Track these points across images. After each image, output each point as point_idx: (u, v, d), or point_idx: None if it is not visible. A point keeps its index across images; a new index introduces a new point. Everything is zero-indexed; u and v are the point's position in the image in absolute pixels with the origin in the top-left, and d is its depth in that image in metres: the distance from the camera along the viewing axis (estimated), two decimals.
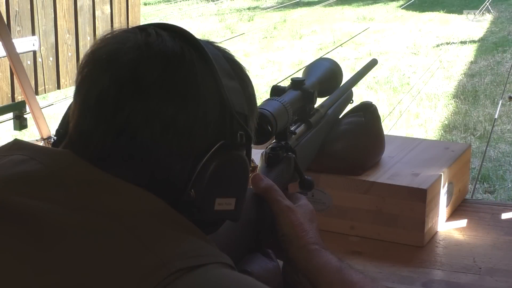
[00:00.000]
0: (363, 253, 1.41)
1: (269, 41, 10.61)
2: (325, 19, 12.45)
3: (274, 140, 1.17)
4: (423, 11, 12.83)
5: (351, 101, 1.50)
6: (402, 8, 13.30)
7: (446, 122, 6.29)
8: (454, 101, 6.95)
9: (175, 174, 0.80)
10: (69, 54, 4.90)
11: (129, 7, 5.43)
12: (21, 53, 3.80)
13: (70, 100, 0.87)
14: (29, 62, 4.58)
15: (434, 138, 5.65)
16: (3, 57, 4.05)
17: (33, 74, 4.60)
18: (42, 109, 3.31)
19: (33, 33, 4.61)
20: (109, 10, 5.22)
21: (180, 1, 14.82)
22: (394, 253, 1.40)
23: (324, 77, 1.38)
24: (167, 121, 0.79)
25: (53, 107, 6.12)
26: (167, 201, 0.78)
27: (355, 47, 9.86)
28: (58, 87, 4.93)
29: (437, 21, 11.80)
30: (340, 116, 1.48)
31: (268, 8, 13.95)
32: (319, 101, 1.37)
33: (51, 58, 4.77)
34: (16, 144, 0.84)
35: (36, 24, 4.60)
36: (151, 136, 0.79)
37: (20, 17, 4.49)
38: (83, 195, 0.75)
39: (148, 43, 0.81)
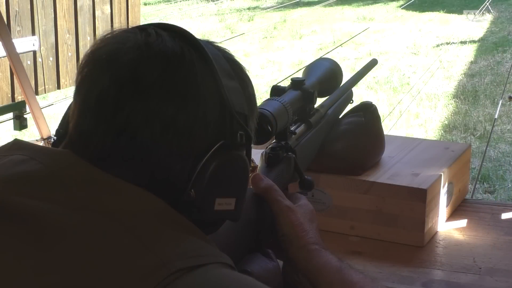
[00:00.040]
0: (363, 253, 1.41)
1: (269, 41, 10.61)
2: (325, 19, 12.45)
3: (274, 140, 1.17)
4: (423, 11, 12.83)
5: (351, 101, 1.50)
6: (402, 8, 13.31)
7: (446, 122, 6.29)
8: (454, 101, 6.95)
9: (175, 174, 0.80)
10: (69, 54, 4.90)
11: (129, 7, 5.43)
12: (21, 53, 3.80)
13: (70, 100, 0.87)
14: (29, 62, 4.58)
15: (434, 138, 5.65)
16: (3, 57, 4.05)
17: (33, 74, 4.60)
18: (42, 109, 3.31)
19: (33, 33, 4.61)
20: (109, 10, 5.22)
21: (180, 1, 14.82)
22: (394, 253, 1.40)
23: (324, 77, 1.38)
24: (167, 121, 0.79)
25: (53, 107, 6.12)
26: (167, 201, 0.78)
27: (355, 47, 9.86)
28: (58, 87, 4.93)
29: (437, 21, 11.80)
30: (340, 116, 1.48)
31: (268, 8, 13.95)
32: (319, 101, 1.37)
33: (51, 58, 4.77)
34: (16, 144, 0.84)
35: (36, 24, 4.60)
36: (151, 136, 0.79)
37: (20, 17, 4.49)
38: (83, 195, 0.75)
39: (148, 43, 0.81)
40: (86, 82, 0.82)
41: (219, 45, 0.89)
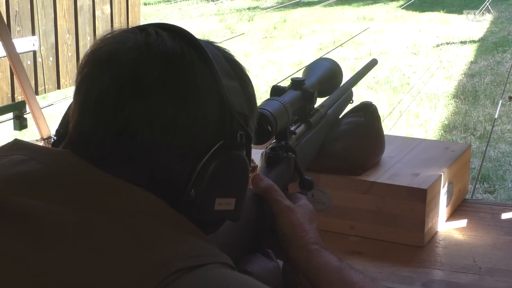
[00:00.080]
0: (363, 253, 1.41)
1: (269, 41, 10.61)
2: (325, 19, 12.45)
3: (274, 140, 1.17)
4: (423, 11, 12.84)
5: (351, 101, 1.50)
6: (402, 8, 13.31)
7: (446, 122, 6.29)
8: (454, 101, 6.95)
9: (175, 174, 0.80)
10: (69, 54, 4.90)
11: (129, 7, 5.43)
12: (21, 53, 3.80)
13: (70, 100, 0.87)
14: (29, 62, 4.58)
15: (434, 138, 5.65)
16: (3, 57, 4.05)
17: (33, 74, 4.60)
18: (42, 109, 3.31)
19: (33, 33, 4.61)
20: (109, 10, 5.22)
21: (180, 1, 14.82)
22: (394, 253, 1.40)
23: (324, 77, 1.38)
24: (167, 121, 0.79)
25: (53, 107, 6.12)
26: (167, 201, 0.78)
27: (355, 47, 9.86)
28: (58, 87, 4.93)
29: (437, 21, 11.80)
30: (340, 116, 1.48)
31: (268, 8, 13.95)
32: (319, 101, 1.37)
33: (51, 58, 4.77)
34: (16, 144, 0.84)
35: (36, 24, 4.60)
36: (151, 136, 0.79)
37: (20, 17, 4.49)
38: (83, 195, 0.75)
39: (148, 43, 0.81)
40: (86, 82, 0.82)
41: (219, 45, 0.89)
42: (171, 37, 0.82)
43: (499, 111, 6.34)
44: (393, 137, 1.76)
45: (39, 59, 4.67)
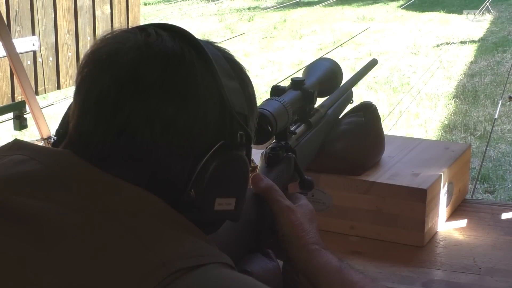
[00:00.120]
0: (363, 253, 1.41)
1: (269, 41, 10.61)
2: (325, 19, 12.45)
3: (274, 140, 1.17)
4: (423, 11, 12.84)
5: (351, 101, 1.50)
6: (402, 8, 13.30)
7: (446, 122, 6.29)
8: (454, 101, 6.95)
9: (175, 174, 0.80)
10: (69, 54, 4.90)
11: (129, 7, 5.43)
12: (21, 53, 3.80)
13: (70, 100, 0.87)
14: (29, 62, 4.58)
15: (434, 138, 5.66)
16: (3, 57, 4.05)
17: (33, 74, 4.60)
18: (42, 109, 3.31)
19: (33, 33, 4.61)
20: (109, 10, 5.22)
21: (180, 1, 14.82)
22: (394, 253, 1.40)
23: (324, 77, 1.38)
24: (167, 121, 0.79)
25: (53, 107, 6.13)
26: (167, 201, 0.78)
27: (355, 47, 9.87)
28: (58, 87, 4.93)
29: (437, 21, 11.80)
30: (340, 116, 1.48)
31: (268, 8, 13.95)
32: (319, 101, 1.37)
33: (51, 58, 4.77)
34: (16, 144, 0.84)
35: (36, 24, 4.60)
36: (151, 136, 0.79)
37: (20, 17, 4.49)
38: (83, 195, 0.75)
39: (148, 43, 0.81)
40: (86, 82, 0.82)
41: (219, 45, 0.89)
42: (171, 37, 0.82)
43: (499, 111, 6.34)
44: (393, 137, 1.76)
45: (39, 59, 4.67)
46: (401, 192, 1.42)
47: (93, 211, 0.74)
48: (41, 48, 4.67)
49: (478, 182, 4.71)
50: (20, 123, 4.28)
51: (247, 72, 0.90)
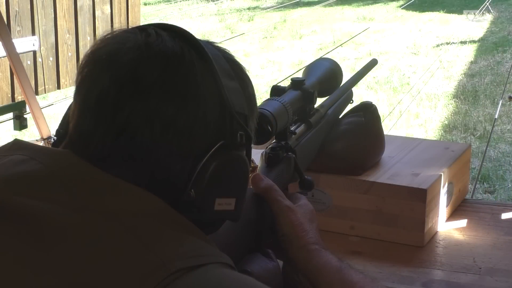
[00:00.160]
0: (363, 253, 1.41)
1: (269, 41, 10.61)
2: (325, 19, 12.45)
3: (274, 140, 1.17)
4: (423, 11, 12.84)
5: (351, 101, 1.50)
6: (402, 8, 13.30)
7: (446, 122, 6.29)
8: (454, 101, 6.95)
9: (175, 174, 0.80)
10: (69, 54, 4.90)
11: (129, 7, 5.43)
12: (21, 53, 3.80)
13: (70, 100, 0.87)
14: (29, 62, 4.58)
15: (434, 138, 5.66)
16: (3, 57, 4.05)
17: (33, 74, 4.60)
18: (42, 109, 3.31)
19: (33, 33, 4.61)
20: (109, 10, 5.22)
21: (180, 1, 14.82)
22: (394, 253, 1.40)
23: (324, 77, 1.38)
24: (167, 121, 0.79)
25: (53, 107, 6.12)
26: (167, 201, 0.78)
27: (355, 47, 9.87)
28: (58, 87, 4.93)
29: (437, 21, 11.80)
30: (340, 116, 1.48)
31: (268, 8, 13.95)
32: (319, 101, 1.37)
33: (51, 58, 4.77)
34: (16, 144, 0.84)
35: (36, 24, 4.60)
36: (151, 136, 0.79)
37: (20, 17, 4.49)
38: (83, 195, 0.75)
39: (148, 43, 0.81)
40: (86, 82, 0.82)
41: (219, 45, 0.89)
42: (171, 37, 0.82)
43: (499, 111, 6.34)
44: (393, 137, 1.76)
45: (39, 59, 4.67)
46: (401, 192, 1.42)
47: (93, 211, 0.74)
48: (41, 48, 4.67)
49: (478, 182, 4.71)
50: (20, 123, 4.28)
51: (247, 72, 0.90)
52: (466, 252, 1.42)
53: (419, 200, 1.40)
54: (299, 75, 1.42)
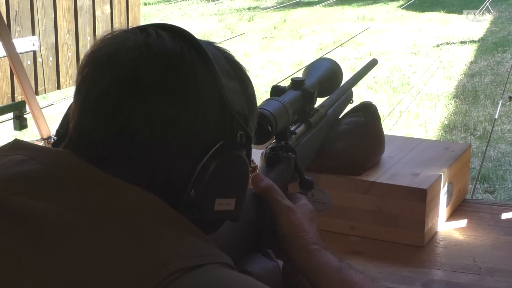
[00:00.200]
0: (363, 253, 1.41)
1: (269, 41, 10.61)
2: (325, 19, 12.45)
3: (274, 140, 1.17)
4: (423, 11, 12.84)
5: (351, 101, 1.50)
6: (402, 8, 13.30)
7: (446, 122, 6.29)
8: (454, 101, 6.95)
9: (175, 174, 0.80)
10: (69, 54, 4.90)
11: (129, 7, 5.43)
12: (21, 53, 3.80)
13: (70, 100, 0.87)
14: (29, 62, 4.58)
15: (434, 138, 5.66)
16: (3, 57, 4.05)
17: (33, 74, 4.60)
18: (42, 109, 3.31)
19: (33, 33, 4.61)
20: (109, 10, 5.22)
21: (180, 1, 14.82)
22: (394, 253, 1.40)
23: (324, 77, 1.38)
24: (167, 121, 0.79)
25: (53, 107, 6.12)
26: (167, 201, 0.78)
27: (355, 47, 9.87)
28: (58, 87, 4.93)
29: (437, 21, 11.80)
30: (340, 116, 1.48)
31: (268, 8, 13.95)
32: (319, 101, 1.37)
33: (51, 58, 4.77)
34: (16, 144, 0.84)
35: (36, 24, 4.60)
36: (151, 136, 0.79)
37: (20, 17, 4.49)
38: (83, 195, 0.75)
39: (148, 43, 0.81)
40: (86, 82, 0.82)
41: (219, 45, 0.89)
42: (171, 37, 0.82)
43: (499, 111, 6.34)
44: (393, 137, 1.76)
45: (39, 59, 4.67)
46: (401, 192, 1.42)
47: (93, 211, 0.74)
48: (41, 48, 4.67)
49: (478, 182, 4.71)
50: (20, 123, 4.28)
51: (247, 72, 0.90)
52: (466, 252, 1.42)
53: (419, 200, 1.40)
54: (299, 75, 1.42)
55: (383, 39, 10.38)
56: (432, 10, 12.77)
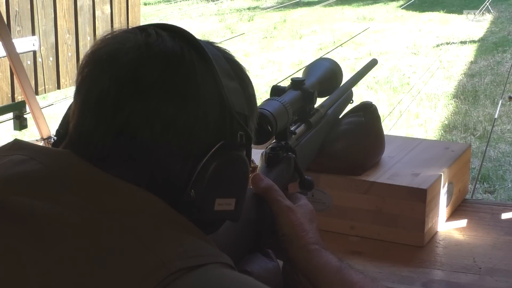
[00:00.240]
0: (363, 253, 1.41)
1: (269, 41, 10.61)
2: (325, 19, 12.45)
3: (274, 140, 1.17)
4: (423, 11, 12.84)
5: (351, 101, 1.50)
6: (402, 8, 13.30)
7: (446, 122, 6.29)
8: (454, 101, 6.95)
9: (175, 174, 0.80)
10: (69, 54, 4.90)
11: (129, 7, 5.43)
12: (21, 53, 3.80)
13: (70, 100, 0.87)
14: (29, 62, 4.58)
15: (434, 138, 5.66)
16: (3, 57, 4.05)
17: (33, 74, 4.60)
18: (42, 109, 3.31)
19: (33, 33, 4.61)
20: (109, 10, 5.22)
21: (180, 1, 14.82)
22: (394, 253, 1.40)
23: (324, 77, 1.38)
24: (167, 121, 0.79)
25: (53, 107, 6.12)
26: (167, 201, 0.78)
27: (355, 47, 9.87)
28: (58, 87, 4.93)
29: (437, 21, 11.80)
30: (340, 116, 1.48)
31: (268, 8, 13.95)
32: (319, 101, 1.37)
33: (51, 58, 4.77)
34: (16, 144, 0.84)
35: (36, 24, 4.60)
36: (151, 136, 0.79)
37: (20, 17, 4.49)
38: (83, 195, 0.75)
39: (148, 43, 0.81)
40: (86, 82, 0.82)
41: (219, 45, 0.89)
42: (171, 37, 0.82)
43: (499, 111, 6.34)
44: (393, 137, 1.76)
45: (39, 59, 4.67)
46: (401, 192, 1.42)
47: (93, 211, 0.74)
48: (41, 48, 4.67)
49: (478, 182, 4.71)
50: (20, 123, 4.28)
51: (247, 72, 0.90)
52: (466, 252, 1.42)
53: (419, 200, 1.40)
54: (299, 75, 1.42)
55: (383, 39, 10.38)
56: (432, 10, 12.77)
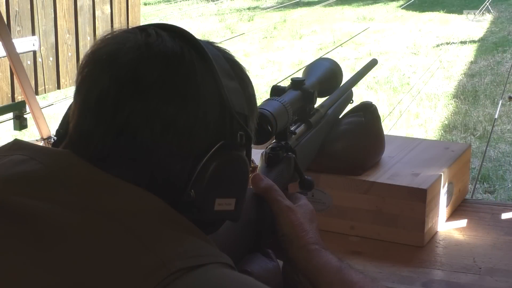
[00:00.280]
0: (363, 253, 1.41)
1: (269, 41, 10.61)
2: (325, 19, 12.45)
3: (274, 140, 1.17)
4: (423, 11, 12.84)
5: (351, 101, 1.50)
6: (402, 8, 13.31)
7: (446, 122, 6.29)
8: (454, 101, 6.95)
9: (175, 174, 0.80)
10: (69, 54, 4.90)
11: (129, 7, 5.43)
12: (21, 53, 3.80)
13: (70, 100, 0.87)
14: (29, 62, 4.58)
15: (434, 138, 5.66)
16: (3, 57, 4.05)
17: (33, 74, 4.60)
18: (42, 109, 3.31)
19: (33, 33, 4.61)
20: (109, 10, 5.22)
21: (180, 1, 14.82)
22: (394, 253, 1.40)
23: (324, 77, 1.38)
24: (167, 121, 0.79)
25: (53, 107, 6.13)
26: (167, 201, 0.78)
27: (355, 47, 9.87)
28: (58, 87, 4.93)
29: (437, 21, 11.80)
30: (340, 116, 1.48)
31: (268, 8, 13.95)
32: (319, 101, 1.37)
33: (51, 58, 4.77)
34: (16, 144, 0.84)
35: (36, 24, 4.60)
36: (151, 136, 0.79)
37: (20, 17, 4.49)
38: (83, 195, 0.75)
39: (148, 43, 0.81)
40: (86, 82, 0.82)
41: (219, 45, 0.89)
42: (171, 37, 0.82)
43: (499, 111, 6.34)
44: (393, 137, 1.76)
45: (39, 59, 4.67)
46: (401, 192, 1.42)
47: (93, 211, 0.74)
48: (41, 48, 4.67)
49: (478, 182, 4.71)
50: (20, 123, 4.29)
51: (247, 72, 0.90)
52: (466, 252, 1.42)
53: (419, 200, 1.40)
54: (299, 75, 1.42)
55: (383, 39, 10.38)
56: (432, 10, 12.78)
